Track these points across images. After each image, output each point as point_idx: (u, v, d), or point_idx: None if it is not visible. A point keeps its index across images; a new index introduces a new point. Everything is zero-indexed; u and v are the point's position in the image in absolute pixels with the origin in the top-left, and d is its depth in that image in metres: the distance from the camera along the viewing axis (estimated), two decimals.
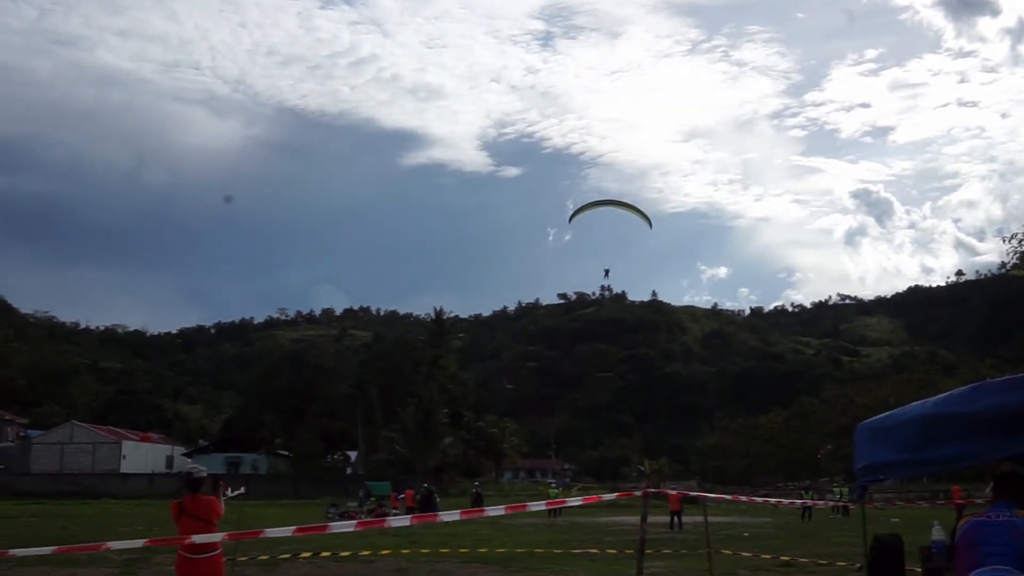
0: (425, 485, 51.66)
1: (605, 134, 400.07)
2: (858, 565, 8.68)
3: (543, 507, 7.60)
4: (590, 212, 23.13)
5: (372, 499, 47.92)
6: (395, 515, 42.38)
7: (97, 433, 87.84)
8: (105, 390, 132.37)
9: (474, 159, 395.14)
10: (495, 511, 7.00)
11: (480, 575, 17.56)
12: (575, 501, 7.63)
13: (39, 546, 23.76)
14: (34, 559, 18.37)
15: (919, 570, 7.97)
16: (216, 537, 9.09)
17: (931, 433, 5.42)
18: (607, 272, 27.88)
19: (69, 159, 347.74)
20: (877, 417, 6.47)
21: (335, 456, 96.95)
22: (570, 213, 23.74)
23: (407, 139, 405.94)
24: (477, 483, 60.02)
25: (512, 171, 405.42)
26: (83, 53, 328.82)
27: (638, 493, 6.62)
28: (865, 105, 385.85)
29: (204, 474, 9.85)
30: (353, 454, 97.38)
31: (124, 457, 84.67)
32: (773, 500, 22.82)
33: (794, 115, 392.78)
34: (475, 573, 17.86)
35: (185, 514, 9.38)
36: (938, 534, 6.79)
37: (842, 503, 45.57)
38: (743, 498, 17.07)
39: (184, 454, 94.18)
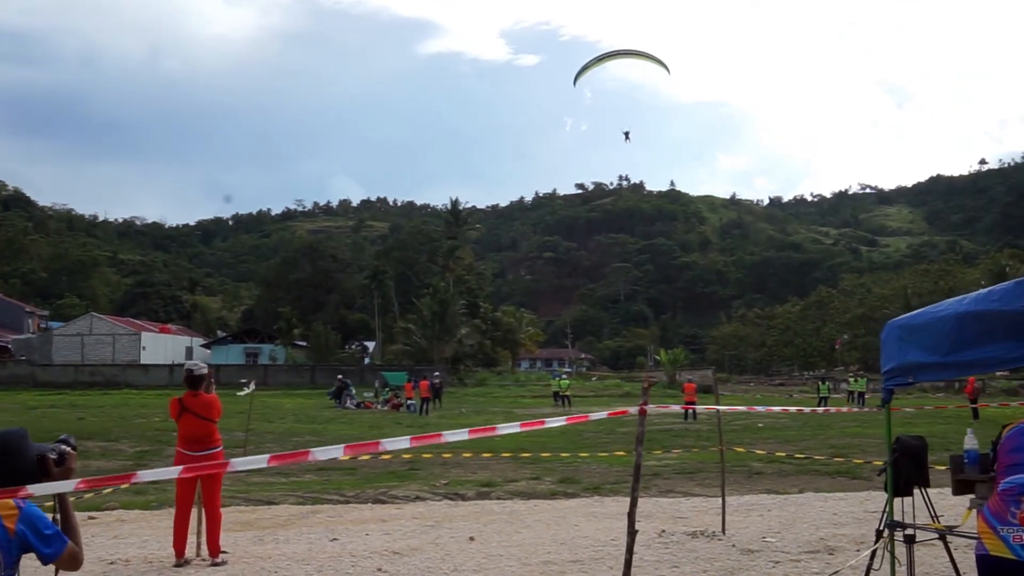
0: (436, 374, 49.37)
1: (623, 21, 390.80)
2: (879, 471, 8.33)
3: (517, 428, 7.27)
4: (600, 69, 21.86)
5: (388, 389, 48.06)
6: (410, 405, 42.78)
7: (116, 325, 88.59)
8: (124, 282, 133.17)
9: (491, 48, 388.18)
10: (461, 434, 6.57)
11: (492, 467, 17.59)
12: (557, 422, 7.30)
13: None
14: None
15: (940, 469, 7.62)
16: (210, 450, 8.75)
17: (968, 333, 4.91)
18: (627, 135, 27.13)
19: (85, 51, 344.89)
20: (908, 315, 5.96)
21: (353, 346, 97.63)
22: (579, 80, 22.29)
23: (423, 27, 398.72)
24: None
25: (530, 59, 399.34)
26: None
27: (633, 411, 6.25)
28: None
29: (205, 371, 9.56)
30: (371, 344, 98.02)
31: (144, 348, 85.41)
32: (793, 409, 22.59)
33: None
34: (486, 464, 17.91)
35: (186, 412, 9.17)
36: (970, 443, 6.22)
37: (857, 392, 46.08)
38: (759, 408, 16.68)
39: (203, 345, 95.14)
